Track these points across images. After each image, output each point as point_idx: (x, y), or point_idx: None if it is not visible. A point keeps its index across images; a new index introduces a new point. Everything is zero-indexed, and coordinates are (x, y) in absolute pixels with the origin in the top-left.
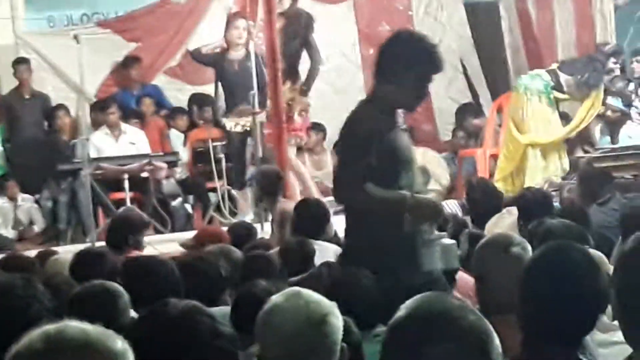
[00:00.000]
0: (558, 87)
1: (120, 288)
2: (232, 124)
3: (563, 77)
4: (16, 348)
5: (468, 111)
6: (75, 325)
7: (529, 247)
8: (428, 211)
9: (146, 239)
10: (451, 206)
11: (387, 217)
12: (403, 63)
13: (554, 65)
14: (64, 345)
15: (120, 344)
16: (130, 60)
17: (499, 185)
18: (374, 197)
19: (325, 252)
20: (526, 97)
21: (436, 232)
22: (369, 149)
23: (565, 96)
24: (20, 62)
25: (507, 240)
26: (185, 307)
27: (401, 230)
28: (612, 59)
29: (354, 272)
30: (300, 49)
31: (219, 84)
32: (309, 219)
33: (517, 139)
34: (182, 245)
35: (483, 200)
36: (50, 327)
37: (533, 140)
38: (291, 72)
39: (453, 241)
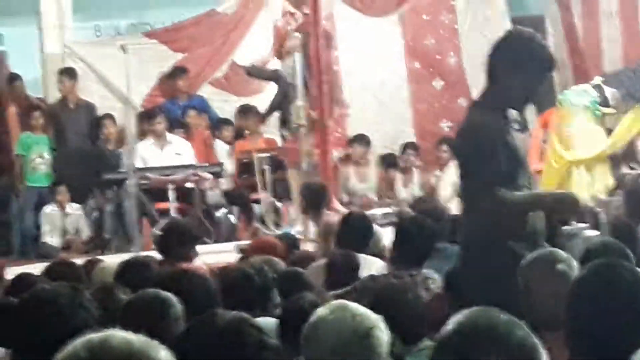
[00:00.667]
0: (604, 101)
1: (173, 297)
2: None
3: (608, 91)
4: (60, 356)
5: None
6: (119, 335)
7: (575, 264)
8: (569, 203)
9: None
10: None
11: (519, 219)
12: (513, 63)
13: (599, 80)
14: (107, 355)
15: (163, 354)
16: (177, 71)
17: None
18: (510, 201)
19: (370, 266)
20: (571, 112)
21: (578, 225)
22: (495, 153)
23: (612, 110)
24: (66, 72)
25: (553, 257)
26: (232, 319)
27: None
28: None
29: (399, 286)
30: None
31: (278, 95)
32: (354, 233)
33: (561, 156)
34: (240, 249)
35: None
36: (94, 336)
37: (577, 157)
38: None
39: (596, 232)
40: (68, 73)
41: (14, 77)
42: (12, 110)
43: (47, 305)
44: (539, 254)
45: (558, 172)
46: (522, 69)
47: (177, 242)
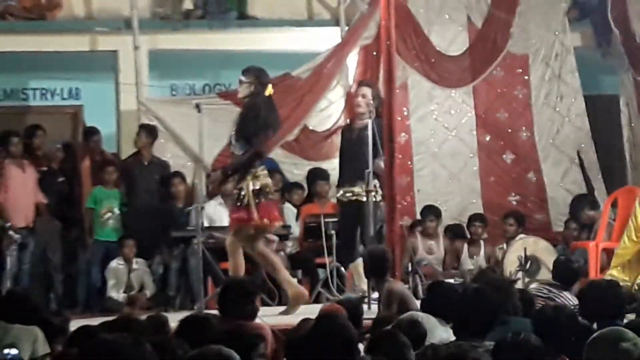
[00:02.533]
0: None
1: (235, 354)
2: (343, 193)
3: None
4: None
5: (584, 202)
6: None
7: None
8: None
9: None
10: (564, 298)
11: None
12: None
13: None
14: None
15: None
16: None
17: (614, 273)
18: None
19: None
20: None
21: None
22: None
23: None
24: (146, 128)
25: (618, 334)
26: None
27: None
28: None
29: (460, 355)
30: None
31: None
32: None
33: (635, 242)
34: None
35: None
36: None
37: None
38: None
39: None
40: (147, 129)
41: (92, 131)
42: (86, 164)
43: (108, 355)
44: (605, 331)
45: (631, 250)
46: None
47: (237, 299)
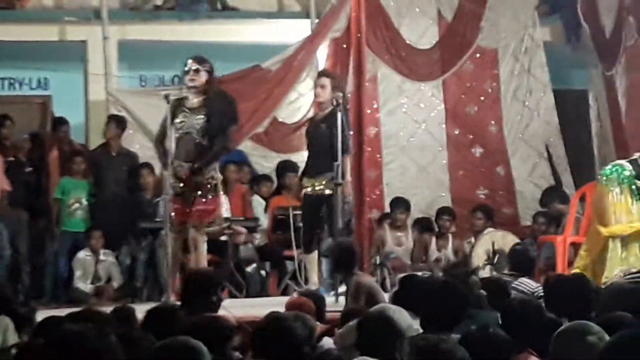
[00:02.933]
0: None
1: (203, 347)
2: (305, 186)
3: None
4: None
5: (554, 195)
6: None
7: (607, 337)
8: None
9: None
10: (526, 284)
11: None
12: None
13: (637, 155)
14: None
15: None
16: None
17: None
18: None
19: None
20: (607, 188)
21: None
22: None
23: None
24: (115, 119)
25: (584, 328)
26: None
27: None
28: None
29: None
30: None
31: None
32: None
33: (599, 233)
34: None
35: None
36: None
37: (613, 232)
38: None
39: None
40: (117, 120)
41: (61, 122)
42: (55, 155)
43: (73, 346)
44: (571, 325)
45: (594, 248)
46: None
47: (199, 291)
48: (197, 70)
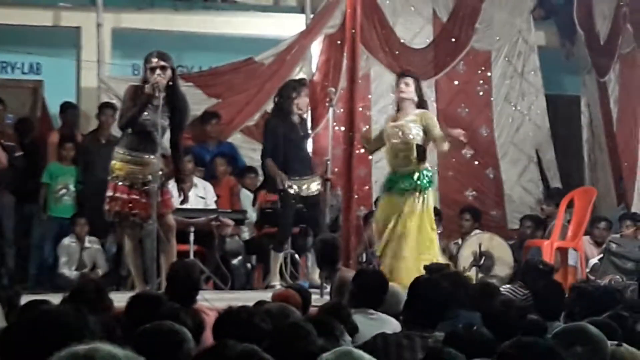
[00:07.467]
0: None
1: (187, 332)
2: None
3: None
4: None
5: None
6: (104, 348)
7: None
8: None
9: (206, 294)
10: (513, 290)
11: None
12: None
13: None
14: None
15: None
16: (208, 116)
17: None
18: None
19: (382, 324)
20: None
21: None
22: None
23: None
24: (109, 106)
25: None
26: (243, 350)
27: None
28: None
29: (408, 346)
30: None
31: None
32: (368, 290)
33: None
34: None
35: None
36: (80, 348)
37: None
38: None
39: None
40: (112, 107)
41: (72, 106)
42: (54, 139)
43: (51, 325)
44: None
45: None
46: None
47: (182, 282)
48: (163, 68)
